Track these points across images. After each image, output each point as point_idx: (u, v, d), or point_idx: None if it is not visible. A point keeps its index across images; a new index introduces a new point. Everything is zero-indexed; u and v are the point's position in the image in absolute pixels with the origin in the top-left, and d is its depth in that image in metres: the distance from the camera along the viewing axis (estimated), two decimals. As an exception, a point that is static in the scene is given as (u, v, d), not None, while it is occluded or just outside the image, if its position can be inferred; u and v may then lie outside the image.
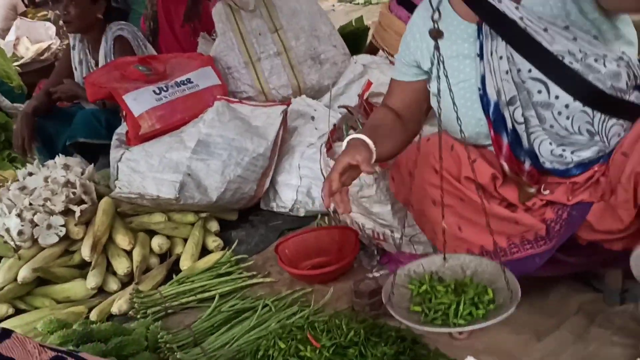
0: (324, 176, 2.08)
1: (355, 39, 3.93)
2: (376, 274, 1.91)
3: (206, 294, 1.93)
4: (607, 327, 1.52)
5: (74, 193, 2.18)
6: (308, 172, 2.34)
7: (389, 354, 1.42)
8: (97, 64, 2.93)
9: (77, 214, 2.14)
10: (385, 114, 1.62)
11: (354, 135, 1.47)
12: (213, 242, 2.22)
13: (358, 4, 7.48)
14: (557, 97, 1.30)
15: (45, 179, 2.20)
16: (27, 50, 6.50)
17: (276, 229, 2.33)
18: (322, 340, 1.46)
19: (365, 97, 2.13)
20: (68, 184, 2.21)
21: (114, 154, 2.36)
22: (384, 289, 1.30)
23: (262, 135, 2.35)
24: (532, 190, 1.41)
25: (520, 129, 1.34)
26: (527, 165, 1.38)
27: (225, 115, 2.35)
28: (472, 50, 1.41)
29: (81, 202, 2.20)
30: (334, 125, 2.05)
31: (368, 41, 3.40)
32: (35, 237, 2.08)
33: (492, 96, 1.37)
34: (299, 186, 2.35)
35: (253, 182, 2.34)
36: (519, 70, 1.34)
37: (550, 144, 1.34)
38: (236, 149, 2.29)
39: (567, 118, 1.31)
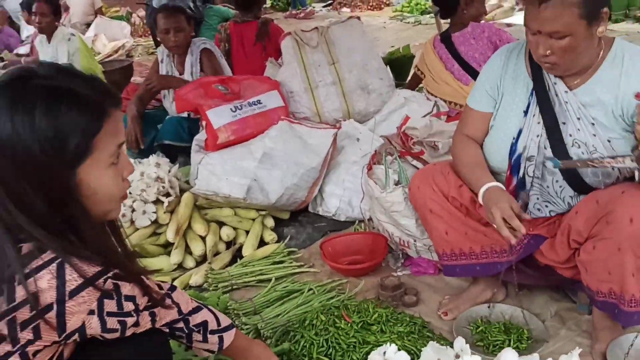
0: (363, 191, 2.58)
1: (401, 66, 4.38)
2: (399, 273, 2.36)
3: (263, 277, 2.38)
4: (574, 330, 1.96)
5: (163, 187, 2.71)
6: (350, 185, 2.79)
7: (403, 331, 1.90)
8: (180, 74, 3.48)
9: (165, 204, 2.67)
10: (476, 148, 1.90)
11: (492, 184, 1.75)
12: (269, 235, 2.70)
13: (408, 22, 7.87)
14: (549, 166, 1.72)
15: (142, 174, 2.73)
16: (104, 47, 7.14)
17: (320, 230, 2.78)
18: (353, 317, 1.95)
19: (402, 130, 2.59)
20: (158, 179, 2.74)
21: (195, 157, 2.89)
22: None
23: (315, 152, 2.83)
24: None
25: (528, 180, 1.78)
26: (519, 202, 1.80)
27: (287, 133, 2.85)
28: (523, 104, 1.80)
29: (168, 194, 2.74)
30: (375, 150, 2.53)
31: (412, 72, 3.80)
32: (133, 219, 2.64)
33: (519, 148, 1.79)
34: (342, 196, 2.81)
35: (305, 190, 2.81)
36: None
37: (537, 198, 1.78)
38: (294, 162, 2.76)
39: (560, 187, 1.74)
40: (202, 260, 2.59)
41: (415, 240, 2.30)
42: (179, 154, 3.28)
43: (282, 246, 2.61)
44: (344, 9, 9.64)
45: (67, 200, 1.07)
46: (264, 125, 2.90)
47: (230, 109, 2.89)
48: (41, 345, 1.06)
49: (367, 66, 3.20)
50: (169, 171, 2.81)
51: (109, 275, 1.09)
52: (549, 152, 1.72)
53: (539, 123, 1.74)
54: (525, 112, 1.77)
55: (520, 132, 1.78)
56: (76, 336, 1.10)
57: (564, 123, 1.70)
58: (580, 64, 1.67)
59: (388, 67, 4.43)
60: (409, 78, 3.85)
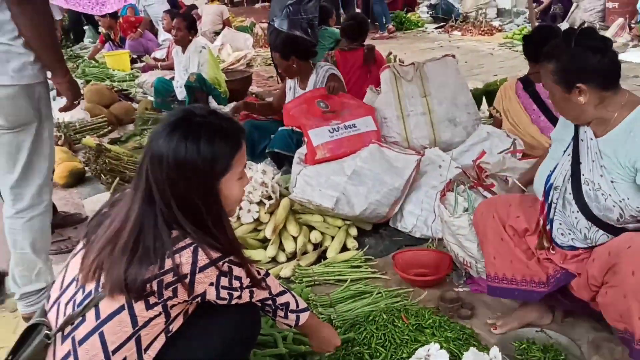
0: (435, 214, 2.93)
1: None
2: (460, 289, 2.67)
3: (341, 277, 2.78)
4: (607, 357, 2.18)
5: (266, 191, 3.21)
6: (428, 207, 3.13)
7: (451, 337, 2.23)
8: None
9: (267, 206, 3.17)
10: None
11: None
12: (351, 242, 3.10)
13: (517, 51, 7.92)
14: (568, 198, 2.03)
15: (250, 178, 3.26)
16: (228, 56, 7.89)
17: (397, 243, 3.14)
18: (410, 319, 2.32)
19: (477, 163, 2.89)
20: (263, 184, 3.24)
21: (295, 168, 3.36)
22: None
23: (399, 174, 3.19)
24: (546, 244, 2.14)
25: (552, 207, 2.09)
26: (548, 227, 2.11)
27: (376, 155, 3.25)
28: (564, 145, 2.12)
29: (269, 197, 3.22)
30: (450, 179, 2.86)
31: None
32: (239, 216, 3.16)
33: (552, 179, 2.11)
34: (420, 215, 3.16)
35: (386, 206, 3.18)
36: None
37: (560, 224, 2.08)
38: (379, 181, 3.15)
39: (576, 218, 2.03)
40: (292, 257, 3.03)
41: (476, 262, 2.60)
42: (286, 162, 3.78)
43: (361, 253, 3.00)
44: (455, 32, 9.83)
45: (212, 202, 1.55)
46: (357, 146, 3.31)
47: (329, 130, 3.34)
48: (176, 301, 1.54)
49: (456, 101, 3.52)
50: (273, 178, 3.31)
51: (226, 260, 1.56)
52: (569, 187, 2.03)
53: (569, 161, 2.05)
54: (564, 152, 2.11)
55: (556, 166, 2.11)
56: (199, 299, 1.58)
57: (580, 163, 2.00)
58: (572, 118, 2.04)
59: (484, 97, 4.74)
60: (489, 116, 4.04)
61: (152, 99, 6.14)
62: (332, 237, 3.13)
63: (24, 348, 1.56)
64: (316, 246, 3.11)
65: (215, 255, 1.54)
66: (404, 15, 11.13)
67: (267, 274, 1.84)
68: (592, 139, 2.00)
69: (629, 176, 1.89)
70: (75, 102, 2.52)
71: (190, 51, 5.68)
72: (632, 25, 7.71)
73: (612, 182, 1.92)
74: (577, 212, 2.02)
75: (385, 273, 2.85)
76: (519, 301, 2.44)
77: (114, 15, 8.34)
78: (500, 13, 10.67)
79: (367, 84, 4.04)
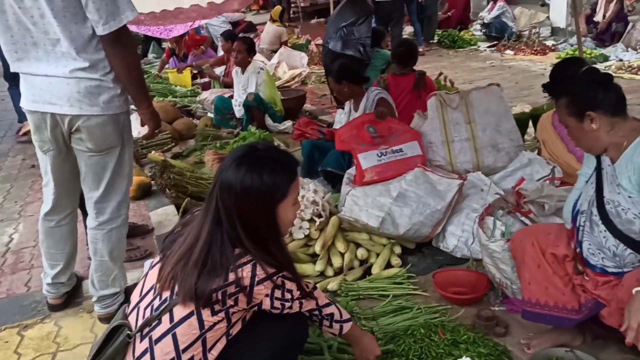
0: (473, 237, 3.10)
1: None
2: (496, 308, 2.80)
3: (385, 292, 2.97)
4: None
5: (317, 209, 3.45)
6: (469, 229, 3.29)
7: (483, 352, 2.40)
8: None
9: (317, 223, 3.41)
10: None
11: None
12: (395, 260, 3.29)
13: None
14: (595, 220, 2.20)
15: (302, 197, 3.50)
16: (284, 74, 8.22)
17: (439, 262, 3.30)
18: (446, 334, 2.50)
19: (516, 189, 3.05)
20: (314, 202, 3.49)
21: (344, 188, 3.59)
22: None
23: (442, 197, 3.37)
24: (580, 268, 2.30)
25: (580, 228, 2.26)
26: (578, 249, 2.28)
27: (420, 179, 3.44)
28: (587, 176, 2.31)
29: (320, 215, 3.47)
30: (489, 204, 3.03)
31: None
32: (291, 232, 3.40)
33: (578, 205, 2.29)
34: (461, 237, 3.32)
35: (429, 227, 3.36)
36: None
37: (589, 244, 2.23)
38: (422, 203, 3.33)
39: (604, 237, 2.18)
40: (339, 271, 3.25)
41: (511, 283, 2.75)
42: (338, 181, 3.99)
43: (404, 271, 3.19)
44: (508, 51, 9.86)
45: (270, 224, 1.81)
46: (403, 169, 3.52)
47: (377, 154, 3.57)
48: (236, 309, 1.79)
49: (499, 127, 3.68)
50: (324, 197, 3.55)
51: (280, 275, 1.81)
52: (595, 210, 2.21)
53: (592, 188, 2.24)
54: (587, 182, 2.30)
55: (581, 194, 2.31)
56: (256, 308, 1.83)
57: (603, 187, 2.19)
58: (586, 147, 2.26)
59: (530, 121, 4.85)
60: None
61: (211, 115, 6.51)
62: (378, 255, 3.33)
63: (109, 346, 1.85)
64: (362, 262, 3.32)
65: (271, 270, 1.79)
66: (457, 33, 11.23)
67: (314, 288, 2.08)
68: (609, 165, 2.20)
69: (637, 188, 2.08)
70: (156, 131, 2.83)
71: (249, 72, 6.02)
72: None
73: (629, 197, 2.10)
74: (605, 231, 2.18)
75: (426, 290, 3.02)
76: (549, 327, 2.56)
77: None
78: (555, 32, 10.61)
79: (416, 108, 4.20)
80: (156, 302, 1.81)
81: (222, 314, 1.77)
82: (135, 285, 2.10)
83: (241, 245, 1.77)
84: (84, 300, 3.13)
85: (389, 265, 3.29)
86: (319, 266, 3.25)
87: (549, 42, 9.88)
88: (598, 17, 9.45)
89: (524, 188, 3.00)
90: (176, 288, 1.77)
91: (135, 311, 1.88)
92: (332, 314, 2.09)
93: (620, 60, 8.00)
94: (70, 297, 3.09)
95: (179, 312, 1.75)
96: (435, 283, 2.96)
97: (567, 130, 2.27)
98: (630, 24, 9.11)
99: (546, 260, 2.41)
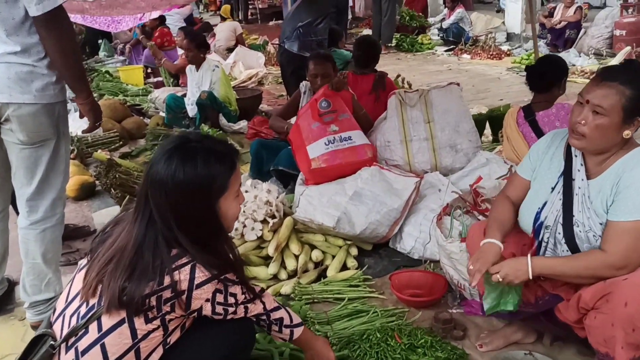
0: (430, 237, 3.01)
1: (500, 124, 4.69)
2: (454, 311, 2.72)
3: (340, 295, 2.85)
4: None
5: (270, 210, 3.30)
6: (426, 229, 3.20)
7: (441, 357, 2.31)
8: None
9: (270, 224, 3.26)
10: (504, 206, 2.28)
11: (490, 240, 2.13)
12: (351, 262, 3.17)
13: (524, 76, 7.99)
14: (559, 238, 2.10)
15: (255, 197, 3.36)
16: (240, 74, 8.05)
17: (396, 264, 3.20)
18: (403, 338, 2.39)
19: (474, 187, 2.98)
20: (268, 202, 3.35)
21: (298, 189, 3.46)
22: None
23: (399, 196, 3.28)
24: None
25: (544, 244, 2.16)
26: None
27: (377, 177, 3.34)
28: (552, 182, 2.17)
29: (273, 216, 3.32)
30: (447, 204, 2.95)
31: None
32: (243, 234, 3.25)
33: (542, 217, 2.16)
34: (418, 237, 3.22)
35: (386, 227, 3.26)
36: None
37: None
38: (379, 202, 3.23)
39: (559, 246, 2.11)
40: (293, 274, 3.11)
41: (469, 285, 2.68)
42: (291, 180, 3.87)
43: (360, 273, 3.08)
44: (464, 55, 9.94)
45: (210, 220, 1.65)
46: (352, 157, 3.42)
47: (324, 142, 3.45)
48: (173, 316, 1.63)
49: (458, 128, 3.62)
50: (277, 197, 3.41)
51: (222, 277, 1.65)
52: (560, 228, 2.09)
53: (560, 200, 2.10)
54: (553, 189, 2.15)
55: (545, 204, 2.15)
56: (195, 314, 1.67)
57: (572, 204, 2.06)
58: (599, 147, 2.00)
59: (488, 122, 4.83)
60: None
61: (163, 114, 6.29)
62: (333, 256, 3.21)
63: (31, 357, 1.66)
64: (317, 265, 3.19)
65: (212, 272, 1.63)
66: (415, 37, 11.28)
67: (262, 290, 1.93)
68: (583, 180, 2.06)
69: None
70: (96, 125, 2.64)
71: (204, 69, 5.83)
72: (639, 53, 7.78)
73: (600, 224, 2.00)
74: (567, 251, 2.09)
75: (383, 293, 2.92)
76: (504, 321, 2.53)
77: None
78: (510, 37, 10.77)
79: (374, 109, 4.11)
80: (82, 310, 1.63)
81: (157, 322, 1.61)
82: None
83: (178, 246, 1.62)
84: (16, 307, 2.91)
85: (344, 267, 3.17)
86: (272, 269, 3.11)
87: (505, 47, 10.01)
88: (554, 21, 9.60)
89: (481, 186, 2.94)
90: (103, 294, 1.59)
91: (60, 319, 1.69)
92: (281, 319, 1.95)
93: (574, 65, 8.14)
94: (1, 303, 2.87)
95: (108, 320, 1.58)
96: (392, 285, 2.87)
97: (592, 119, 1.95)
98: (583, 30, 9.31)
99: None
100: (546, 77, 3.40)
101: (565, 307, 2.14)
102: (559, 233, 2.10)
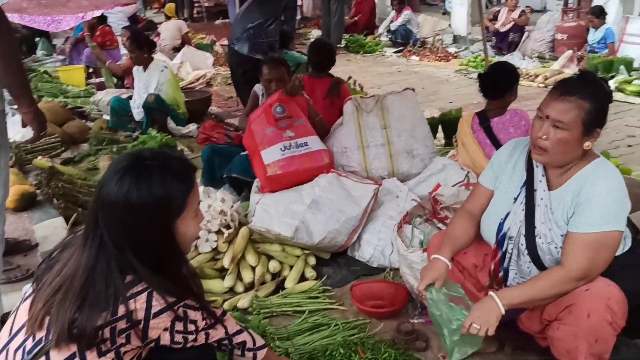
0: (392, 246, 2.97)
1: (452, 128, 4.73)
2: (415, 321, 2.69)
3: (299, 308, 2.77)
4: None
5: (225, 220, 3.19)
6: (385, 237, 3.17)
7: (406, 372, 2.28)
8: None
9: (225, 235, 3.14)
10: (460, 221, 2.27)
11: (438, 257, 2.17)
12: (310, 272, 3.09)
13: (472, 78, 8.11)
14: (522, 249, 2.10)
15: (209, 206, 3.23)
16: (188, 74, 7.82)
17: (355, 273, 3.15)
18: (367, 353, 2.34)
19: (432, 195, 2.96)
20: (222, 212, 3.23)
21: (253, 197, 3.36)
22: None
23: (357, 203, 3.23)
24: (497, 287, 2.19)
25: (507, 256, 2.15)
26: (500, 274, 2.18)
27: (334, 184, 3.28)
28: (514, 192, 2.16)
29: (228, 226, 3.21)
30: (407, 212, 2.91)
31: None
32: (197, 245, 3.12)
33: (505, 228, 2.15)
34: (377, 245, 3.18)
35: (345, 235, 3.21)
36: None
37: (515, 273, 2.14)
38: (337, 210, 3.18)
39: (529, 268, 2.10)
40: (250, 287, 3.01)
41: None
42: (245, 187, 3.75)
43: (319, 283, 3.00)
44: (413, 57, 10.03)
45: (167, 243, 1.53)
46: (308, 163, 3.37)
47: (280, 148, 3.37)
48: (129, 347, 1.51)
49: (414, 133, 3.60)
50: (232, 206, 3.29)
51: (182, 304, 1.54)
52: (522, 239, 2.09)
53: (522, 211, 2.10)
54: (515, 200, 2.14)
55: (507, 215, 2.15)
56: (152, 344, 1.56)
57: (534, 215, 2.06)
58: (561, 160, 2.00)
59: (440, 126, 4.85)
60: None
61: (107, 117, 6.03)
62: (291, 267, 3.13)
63: None
64: (275, 276, 3.10)
65: (170, 299, 1.52)
66: (364, 38, 11.31)
67: (224, 313, 1.83)
68: (544, 191, 2.06)
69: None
70: (42, 134, 2.46)
71: (152, 70, 5.62)
72: (581, 57, 8.04)
73: (562, 236, 2.00)
74: (530, 262, 2.09)
75: (343, 304, 2.86)
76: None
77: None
78: (456, 40, 10.95)
79: (328, 114, 4.04)
80: (28, 344, 1.49)
81: (111, 354, 1.48)
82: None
83: (133, 272, 1.50)
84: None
85: (303, 277, 3.09)
86: (227, 282, 3.00)
87: (452, 49, 10.15)
88: (498, 26, 9.81)
89: (440, 194, 2.92)
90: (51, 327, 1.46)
91: (4, 354, 1.54)
92: (244, 342, 1.85)
93: (518, 68, 8.29)
94: None
95: (57, 355, 1.44)
96: (353, 296, 2.81)
97: (556, 133, 1.95)
98: (526, 34, 9.56)
99: (457, 268, 2.32)
100: (499, 85, 3.44)
101: (527, 317, 2.14)
102: (522, 244, 2.10)
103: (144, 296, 1.48)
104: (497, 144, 3.30)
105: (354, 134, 3.59)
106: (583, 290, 1.92)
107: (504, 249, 2.16)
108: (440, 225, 2.85)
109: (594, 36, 8.22)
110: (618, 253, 2.02)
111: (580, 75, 2.09)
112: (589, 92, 1.93)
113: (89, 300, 1.44)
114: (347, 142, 3.59)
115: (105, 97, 6.34)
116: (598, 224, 1.91)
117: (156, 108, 5.44)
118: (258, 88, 4.03)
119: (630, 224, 2.14)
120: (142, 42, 5.66)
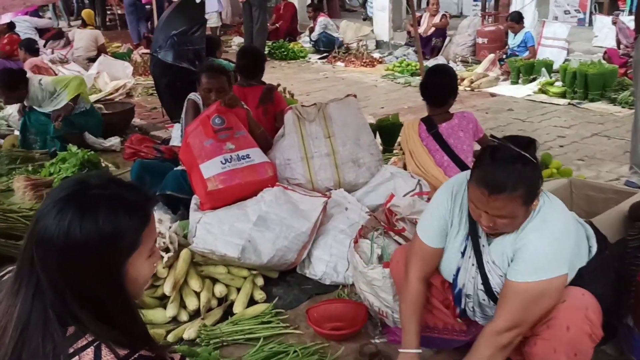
0: (348, 262, 2.82)
1: (391, 133, 4.67)
2: (377, 341, 2.56)
3: (252, 335, 2.57)
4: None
5: (163, 242, 2.92)
6: (337, 252, 3.01)
7: (375, 398, 2.13)
8: None
9: (165, 259, 2.87)
10: (413, 290, 2.11)
11: (405, 350, 2.07)
12: (259, 294, 2.88)
13: (399, 83, 8.16)
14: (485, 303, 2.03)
15: (144, 229, 2.95)
16: (106, 85, 7.36)
17: (307, 292, 2.96)
18: (333, 382, 2.17)
19: (387, 206, 2.84)
20: (160, 234, 2.96)
21: (193, 216, 3.10)
22: None
23: (306, 218, 3.06)
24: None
25: (469, 312, 2.10)
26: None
27: (281, 199, 3.09)
28: (460, 245, 2.04)
29: (167, 249, 2.94)
30: (362, 225, 2.77)
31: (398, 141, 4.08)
32: (134, 272, 2.83)
33: (459, 284, 2.08)
34: (329, 261, 3.01)
35: (295, 252, 3.02)
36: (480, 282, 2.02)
37: (482, 317, 2.09)
38: (286, 226, 2.99)
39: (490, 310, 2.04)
40: (195, 314, 2.77)
41: (392, 312, 2.52)
42: (180, 205, 3.48)
43: (271, 306, 2.80)
44: (339, 63, 9.98)
45: (117, 288, 1.29)
46: (251, 176, 3.19)
47: (221, 161, 3.16)
48: None
49: (359, 141, 3.47)
50: (170, 227, 3.03)
51: (135, 357, 1.30)
52: (482, 294, 2.01)
53: (473, 265, 2.01)
54: (462, 254, 2.04)
55: (458, 270, 2.06)
56: None
57: (485, 269, 1.99)
58: (516, 227, 1.89)
59: (377, 132, 4.76)
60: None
61: (19, 133, 5.53)
62: (238, 290, 2.92)
63: None
64: (221, 301, 2.87)
65: (122, 352, 1.28)
66: (287, 45, 11.16)
67: (182, 358, 1.59)
68: (483, 246, 1.99)
69: None
70: None
71: (32, 93, 5.15)
72: (502, 61, 8.27)
73: (501, 276, 1.95)
74: (495, 305, 2.01)
75: (298, 327, 2.69)
76: (433, 350, 2.39)
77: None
78: (379, 45, 11.02)
79: (263, 123, 3.85)
80: None
81: None
82: None
83: (76, 322, 1.24)
84: None
85: (252, 301, 2.88)
86: (170, 311, 2.74)
87: (376, 55, 10.19)
88: (420, 30, 9.93)
89: (395, 204, 2.79)
90: None
91: None
92: None
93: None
94: None
95: None
96: (309, 319, 2.64)
97: (501, 220, 1.84)
98: (448, 39, 9.75)
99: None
100: (443, 91, 3.37)
101: None
102: (484, 300, 2.04)
103: (90, 351, 1.23)
104: (447, 150, 3.23)
105: (297, 145, 3.41)
106: (561, 303, 1.85)
107: (462, 307, 2.11)
108: (397, 238, 2.73)
109: (514, 40, 8.49)
110: (585, 259, 1.98)
111: (492, 162, 1.82)
112: (516, 180, 1.76)
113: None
114: (290, 153, 3.41)
115: (15, 111, 5.81)
116: (529, 273, 1.83)
117: (69, 132, 5.07)
118: (195, 97, 3.77)
119: (593, 227, 2.11)
120: (11, 82, 5.09)
